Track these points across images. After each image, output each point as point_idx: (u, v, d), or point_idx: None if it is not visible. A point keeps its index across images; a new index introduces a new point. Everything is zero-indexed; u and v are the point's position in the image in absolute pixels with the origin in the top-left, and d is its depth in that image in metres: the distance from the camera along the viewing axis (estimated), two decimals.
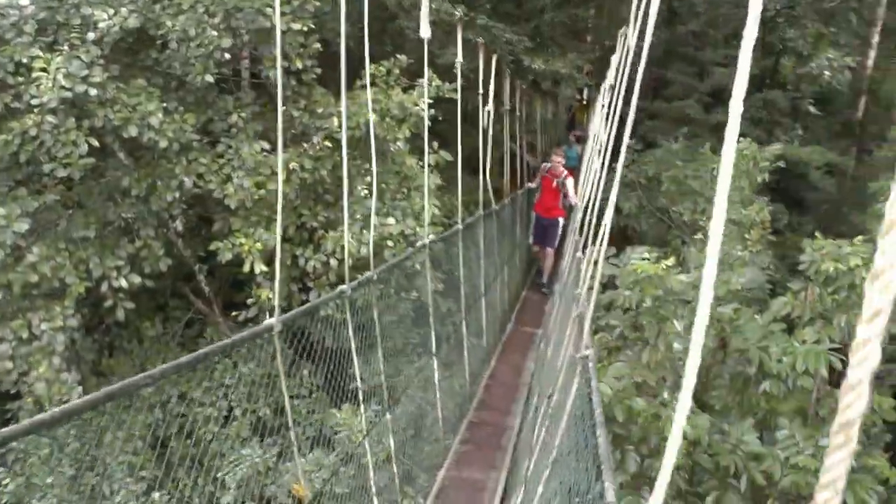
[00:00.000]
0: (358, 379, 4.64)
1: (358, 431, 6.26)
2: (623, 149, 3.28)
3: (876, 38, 22.14)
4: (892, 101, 20.32)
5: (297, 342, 5.08)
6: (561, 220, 12.32)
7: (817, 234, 6.17)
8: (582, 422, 2.86)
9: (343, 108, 4.51)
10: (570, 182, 12.01)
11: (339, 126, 8.76)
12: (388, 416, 5.23)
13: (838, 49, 20.96)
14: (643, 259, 5.63)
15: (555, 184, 12.14)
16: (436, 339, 6.52)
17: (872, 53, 22.06)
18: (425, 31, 5.78)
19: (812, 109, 21.86)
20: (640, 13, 3.19)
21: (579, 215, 8.66)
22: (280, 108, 3.27)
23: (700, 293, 1.01)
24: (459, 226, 7.81)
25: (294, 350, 5.55)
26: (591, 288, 3.47)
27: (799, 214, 17.65)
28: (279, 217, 3.42)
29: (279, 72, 3.33)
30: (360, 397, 4.77)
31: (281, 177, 3.38)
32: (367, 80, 5.05)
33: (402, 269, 6.46)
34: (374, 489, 4.89)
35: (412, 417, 6.35)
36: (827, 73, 20.23)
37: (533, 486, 3.89)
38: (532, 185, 13.44)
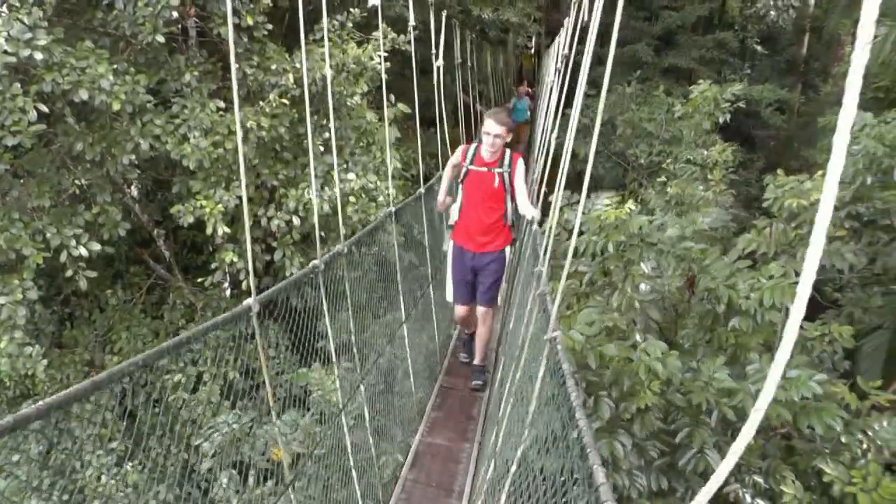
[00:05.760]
0: (333, 354, 4.62)
1: (331, 391, 6.29)
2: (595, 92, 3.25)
3: None
4: (833, 38, 20.67)
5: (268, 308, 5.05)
6: (508, 252, 6.64)
7: (779, 171, 6.27)
8: (555, 403, 2.90)
9: (303, 61, 4.41)
10: (520, 170, 6.31)
11: (294, 83, 8.63)
12: (361, 387, 5.23)
13: None
14: (606, 205, 5.68)
15: (497, 180, 6.34)
16: (405, 304, 6.49)
17: None
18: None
19: (759, 48, 22.20)
20: None
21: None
22: (233, 66, 3.18)
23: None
24: (421, 189, 7.77)
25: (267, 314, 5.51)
26: (560, 267, 3.42)
27: (749, 151, 17.95)
28: (245, 211, 3.34)
29: (230, 28, 3.21)
30: (336, 372, 4.77)
31: (240, 141, 3.30)
32: (325, 33, 4.93)
33: (370, 238, 6.33)
34: (351, 461, 4.91)
35: (387, 383, 6.36)
36: (772, 12, 20.64)
37: (502, 461, 3.93)
38: (442, 202, 6.83)
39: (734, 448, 1.18)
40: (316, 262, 4.21)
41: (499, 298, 6.80)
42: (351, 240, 5.13)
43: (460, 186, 6.55)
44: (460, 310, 6.91)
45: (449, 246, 6.87)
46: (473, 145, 6.50)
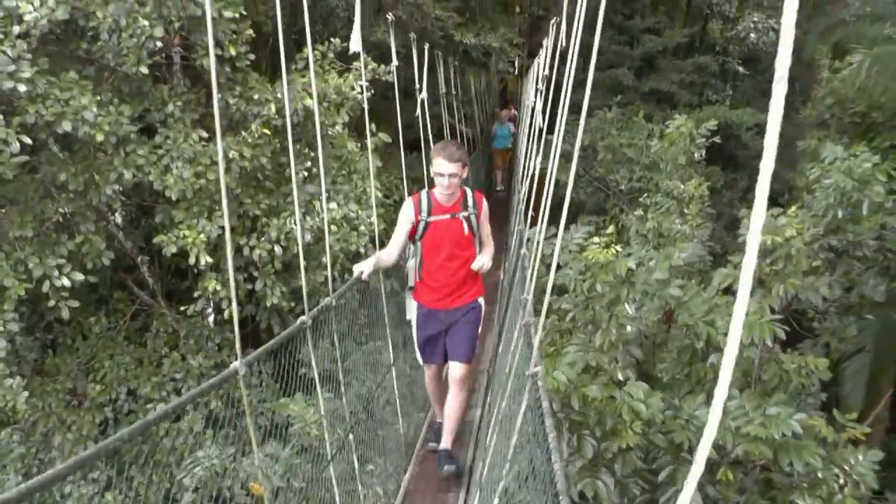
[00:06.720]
0: (321, 405, 4.64)
1: (310, 423, 6.26)
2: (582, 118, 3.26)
3: None
4: (812, 61, 20.98)
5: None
6: (482, 302, 5.77)
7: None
8: (535, 438, 2.92)
9: (285, 91, 4.49)
10: (486, 211, 5.58)
11: (277, 112, 8.67)
12: (350, 437, 5.24)
13: (762, 11, 21.62)
14: (594, 244, 5.75)
15: (465, 226, 5.45)
16: (392, 346, 6.38)
17: None
18: (356, 46, 5.68)
19: (741, 70, 22.48)
20: None
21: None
22: (216, 97, 3.18)
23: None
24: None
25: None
26: (540, 301, 3.41)
27: (733, 171, 18.10)
28: (229, 254, 3.36)
29: (213, 60, 3.22)
30: (325, 423, 4.77)
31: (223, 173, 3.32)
32: (311, 62, 4.95)
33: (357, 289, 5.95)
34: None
35: (377, 422, 6.35)
36: (753, 35, 20.94)
37: (487, 493, 3.96)
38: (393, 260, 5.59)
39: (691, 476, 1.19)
40: (304, 318, 4.17)
41: (473, 350, 5.77)
42: (339, 291, 5.08)
43: (418, 243, 5.53)
44: (430, 370, 5.92)
45: (412, 310, 5.82)
46: (424, 193, 5.50)
